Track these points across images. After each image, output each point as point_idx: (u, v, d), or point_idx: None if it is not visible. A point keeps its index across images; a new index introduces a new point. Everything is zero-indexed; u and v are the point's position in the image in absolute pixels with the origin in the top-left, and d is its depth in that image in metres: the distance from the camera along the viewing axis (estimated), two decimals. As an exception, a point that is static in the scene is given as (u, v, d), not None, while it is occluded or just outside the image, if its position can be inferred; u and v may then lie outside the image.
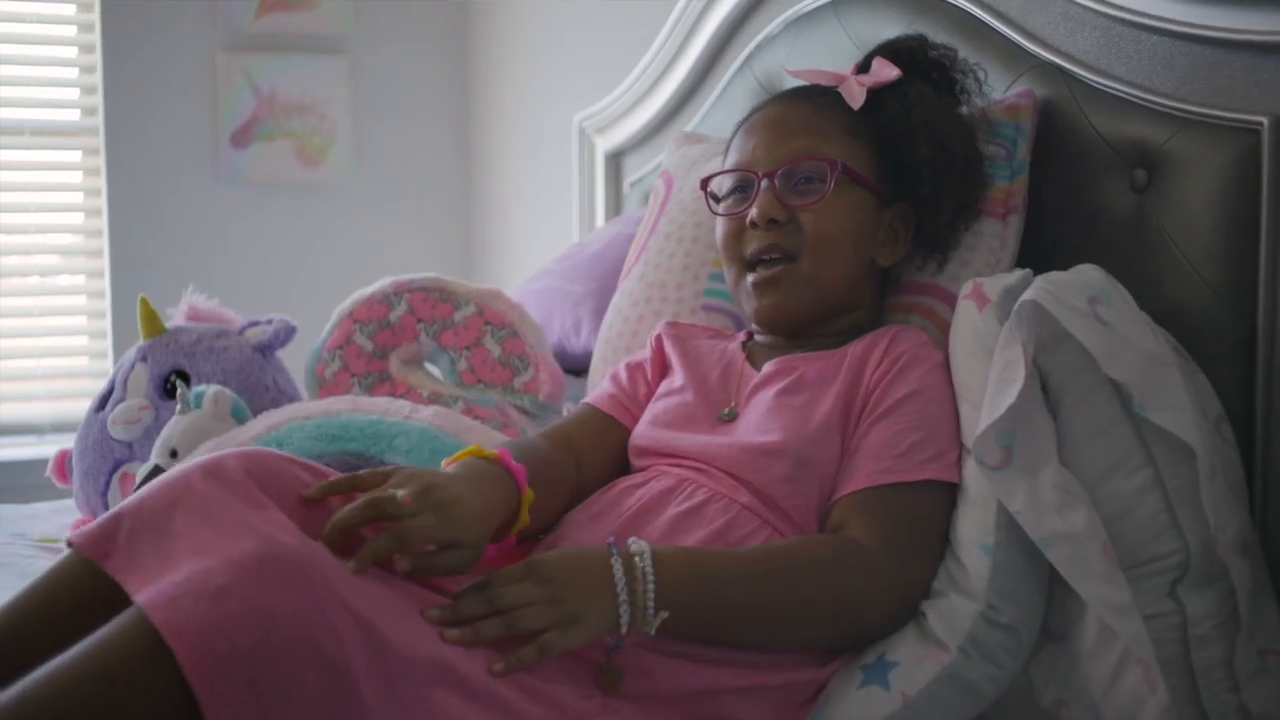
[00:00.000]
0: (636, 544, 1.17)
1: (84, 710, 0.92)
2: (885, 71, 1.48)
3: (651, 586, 1.14)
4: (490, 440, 1.65)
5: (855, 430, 1.34)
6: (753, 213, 1.42)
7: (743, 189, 1.46)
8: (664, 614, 1.15)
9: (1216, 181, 1.36)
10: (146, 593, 0.97)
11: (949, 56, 1.53)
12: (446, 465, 1.25)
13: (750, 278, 1.44)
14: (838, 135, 1.44)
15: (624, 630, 1.14)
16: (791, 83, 1.60)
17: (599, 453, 1.45)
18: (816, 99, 1.48)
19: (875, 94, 1.47)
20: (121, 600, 1.00)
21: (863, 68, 1.52)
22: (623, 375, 1.54)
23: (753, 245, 1.43)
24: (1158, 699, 1.21)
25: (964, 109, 1.53)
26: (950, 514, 1.31)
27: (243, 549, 0.98)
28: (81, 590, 1.06)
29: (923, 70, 1.51)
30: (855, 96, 1.47)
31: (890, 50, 1.52)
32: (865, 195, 1.44)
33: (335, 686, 0.96)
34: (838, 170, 1.41)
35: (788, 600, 1.22)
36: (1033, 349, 1.25)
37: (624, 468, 1.46)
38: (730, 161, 1.50)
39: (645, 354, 1.55)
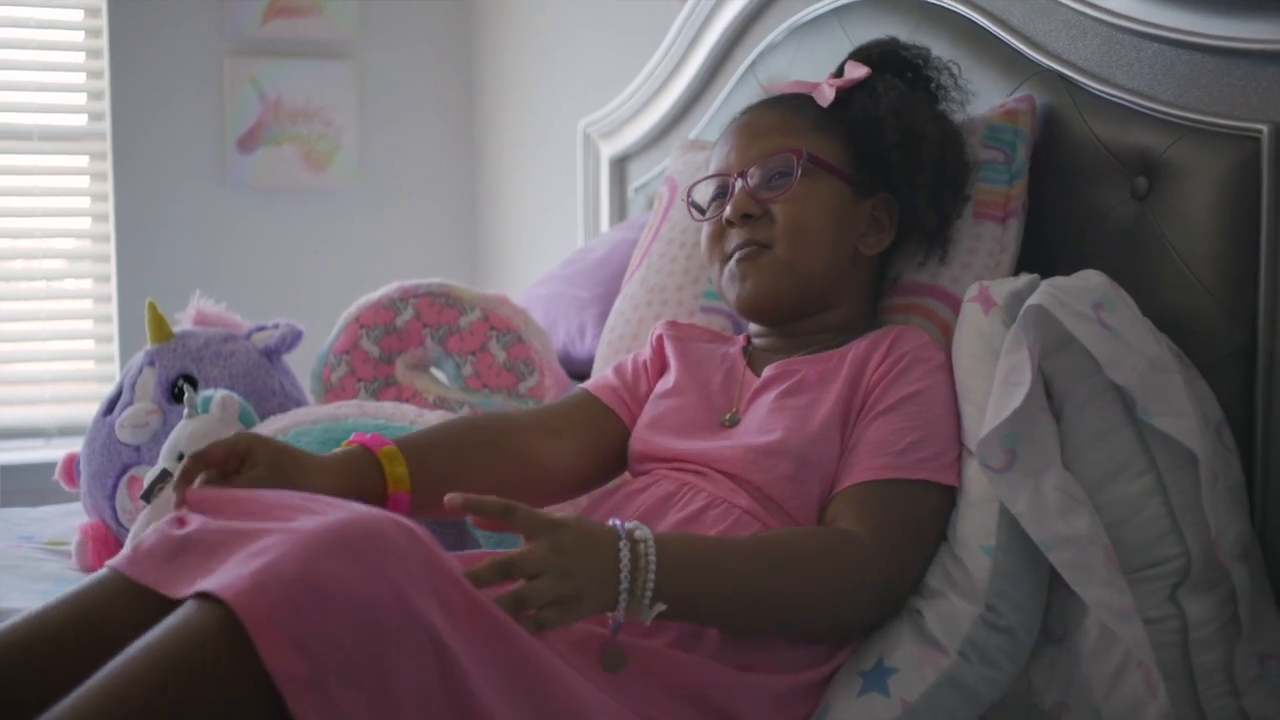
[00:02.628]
0: (641, 530, 1.17)
1: (166, 698, 0.92)
2: (855, 72, 1.52)
3: (652, 577, 1.15)
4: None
5: (854, 428, 1.35)
6: (727, 211, 1.46)
7: (722, 194, 1.50)
8: (660, 606, 1.15)
9: (1217, 189, 1.36)
10: (212, 581, 0.97)
11: (922, 55, 1.56)
12: None
13: (730, 263, 1.47)
14: (806, 131, 1.47)
15: (620, 616, 1.15)
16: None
17: (588, 437, 1.47)
18: (787, 103, 1.53)
19: (846, 93, 1.51)
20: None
21: (838, 75, 1.55)
22: (627, 368, 1.55)
23: (732, 242, 1.47)
24: (1158, 703, 1.22)
25: (942, 105, 1.55)
26: (945, 516, 1.32)
27: (304, 528, 1.00)
28: (117, 604, 1.07)
29: (895, 69, 1.54)
30: (825, 96, 1.51)
31: (862, 53, 1.57)
32: (838, 185, 1.46)
33: (426, 654, 0.97)
34: (803, 159, 1.44)
35: (779, 589, 1.23)
36: (1038, 353, 1.25)
37: (613, 459, 1.48)
38: (710, 170, 1.54)
39: (647, 351, 1.57)
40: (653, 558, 1.16)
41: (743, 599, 1.22)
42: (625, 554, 1.15)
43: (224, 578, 0.96)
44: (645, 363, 1.55)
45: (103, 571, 1.11)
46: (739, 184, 1.46)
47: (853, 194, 1.47)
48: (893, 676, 1.25)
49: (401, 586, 0.97)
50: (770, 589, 1.23)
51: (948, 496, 1.32)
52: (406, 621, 0.97)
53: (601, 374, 1.58)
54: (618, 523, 1.18)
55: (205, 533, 1.07)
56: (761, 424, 1.37)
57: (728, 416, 1.43)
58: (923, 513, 1.31)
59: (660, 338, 1.56)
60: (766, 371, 1.44)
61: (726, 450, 1.36)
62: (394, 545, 0.99)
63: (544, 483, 1.44)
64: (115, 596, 1.07)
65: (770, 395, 1.40)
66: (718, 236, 1.49)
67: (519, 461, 1.41)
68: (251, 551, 0.99)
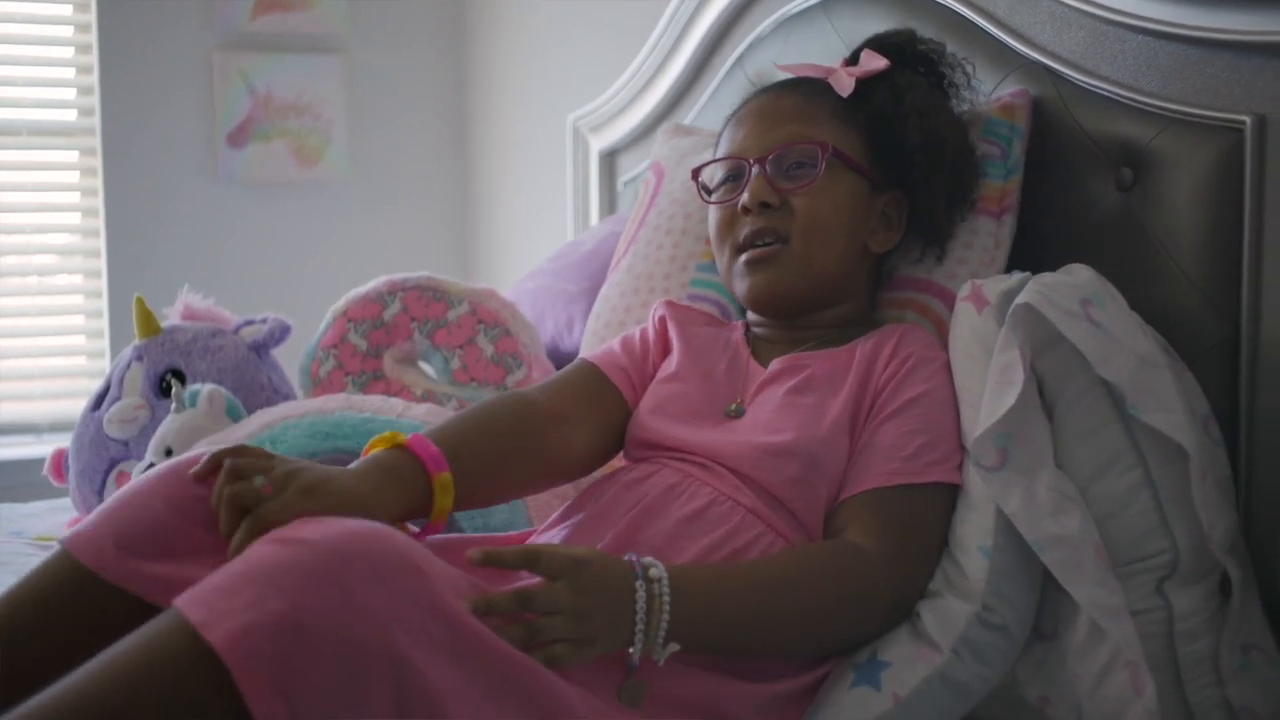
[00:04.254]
0: (656, 569, 1.15)
1: (132, 710, 0.91)
2: (873, 62, 1.49)
3: (666, 619, 1.13)
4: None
5: (863, 430, 1.33)
6: (744, 198, 1.42)
7: (734, 177, 1.47)
8: (674, 646, 1.14)
9: (1200, 180, 1.37)
10: (183, 596, 0.96)
11: (937, 50, 1.54)
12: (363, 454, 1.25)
13: (742, 258, 1.44)
14: (827, 121, 1.44)
15: (636, 658, 1.13)
16: (781, 77, 1.60)
17: (595, 421, 1.42)
18: (804, 89, 1.49)
19: (864, 83, 1.47)
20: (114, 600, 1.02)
21: (851, 62, 1.52)
22: (635, 345, 1.51)
23: (745, 230, 1.43)
24: (1143, 703, 1.21)
25: (953, 102, 1.54)
26: (951, 516, 1.31)
27: (275, 549, 0.98)
28: (72, 587, 1.09)
29: (911, 63, 1.52)
30: (844, 85, 1.47)
31: (879, 43, 1.53)
32: (857, 180, 1.44)
33: (371, 684, 0.95)
34: (829, 153, 1.41)
35: (792, 615, 1.21)
36: (1029, 352, 1.25)
37: (615, 441, 1.44)
38: (721, 152, 1.50)
39: (651, 331, 1.52)
40: (667, 599, 1.13)
41: (757, 630, 1.20)
42: (641, 596, 1.13)
43: (207, 601, 0.94)
44: (652, 340, 1.51)
45: (56, 555, 1.11)
46: (756, 170, 1.43)
47: (869, 190, 1.45)
48: (885, 670, 1.25)
49: (387, 625, 0.95)
50: (784, 618, 1.21)
51: (955, 497, 1.31)
52: (391, 662, 0.95)
53: (608, 346, 1.52)
54: (634, 558, 1.16)
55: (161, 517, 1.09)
56: (770, 422, 1.34)
57: (733, 407, 1.40)
58: (932, 517, 1.30)
59: (663, 319, 1.52)
60: (774, 365, 1.42)
61: (732, 445, 1.33)
62: (381, 577, 0.97)
63: (554, 475, 1.41)
64: (68, 584, 1.09)
65: (778, 390, 1.38)
66: (729, 222, 1.45)
67: (538, 460, 1.37)
68: (233, 567, 0.97)
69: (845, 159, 1.43)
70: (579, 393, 1.44)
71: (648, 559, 1.16)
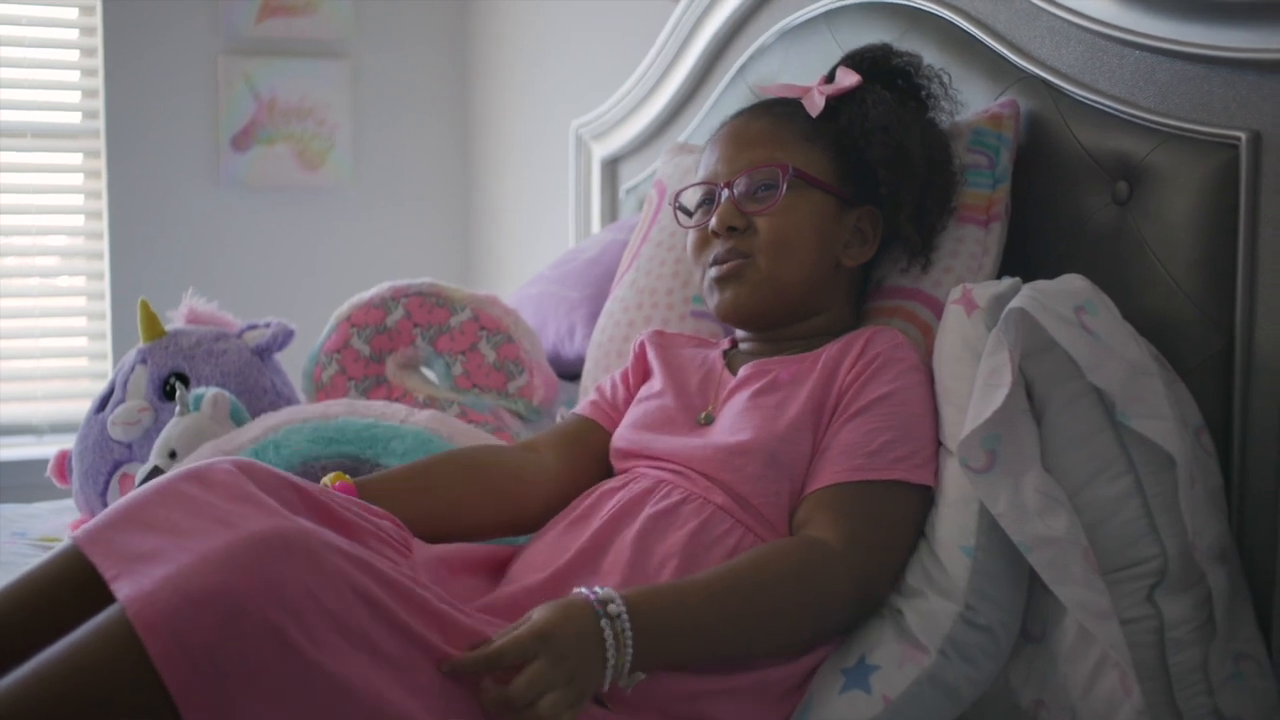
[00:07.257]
0: (614, 605, 1.14)
1: (66, 703, 0.95)
2: (846, 79, 1.52)
3: (630, 651, 1.13)
4: (481, 442, 1.68)
5: (827, 429, 1.35)
6: (712, 222, 1.47)
7: (708, 201, 1.51)
8: (640, 675, 1.14)
9: (1196, 195, 1.38)
10: (126, 588, 0.99)
11: (913, 63, 1.57)
12: None
13: (711, 273, 1.48)
14: (794, 142, 1.48)
15: (604, 688, 1.13)
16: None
17: (569, 446, 1.50)
18: (776, 110, 1.53)
19: (836, 101, 1.51)
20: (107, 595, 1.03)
21: (830, 79, 1.55)
22: (606, 386, 1.58)
23: (715, 252, 1.48)
24: (1133, 702, 1.23)
25: (932, 114, 1.56)
26: (920, 516, 1.33)
27: (219, 541, 1.01)
28: (74, 582, 1.09)
29: (886, 77, 1.55)
30: (815, 105, 1.51)
31: (853, 59, 1.57)
32: (824, 198, 1.47)
33: (297, 676, 0.98)
34: (789, 174, 1.44)
35: (756, 618, 1.22)
36: (1019, 356, 1.27)
37: (599, 464, 1.50)
38: (698, 175, 1.55)
39: (628, 362, 1.59)
40: (629, 633, 1.13)
41: (722, 637, 1.21)
42: (609, 635, 1.12)
43: (148, 597, 0.97)
44: (626, 373, 1.58)
45: (63, 545, 1.12)
46: (725, 194, 1.47)
47: (837, 206, 1.48)
48: (874, 674, 1.26)
49: (315, 658, 0.99)
50: (747, 622, 1.22)
51: (923, 496, 1.33)
52: (321, 690, 0.98)
53: (586, 398, 1.61)
54: (588, 594, 1.14)
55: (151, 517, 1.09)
56: (733, 423, 1.38)
57: (704, 415, 1.44)
58: (896, 514, 1.31)
59: (642, 344, 1.58)
60: (742, 371, 1.46)
61: (700, 449, 1.37)
62: (298, 599, 1.00)
63: (527, 495, 1.43)
64: (72, 574, 1.10)
65: (744, 394, 1.42)
66: (702, 244, 1.50)
67: (500, 476, 1.42)
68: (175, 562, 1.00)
69: (808, 178, 1.46)
70: (565, 435, 1.53)
71: (602, 591, 1.15)
